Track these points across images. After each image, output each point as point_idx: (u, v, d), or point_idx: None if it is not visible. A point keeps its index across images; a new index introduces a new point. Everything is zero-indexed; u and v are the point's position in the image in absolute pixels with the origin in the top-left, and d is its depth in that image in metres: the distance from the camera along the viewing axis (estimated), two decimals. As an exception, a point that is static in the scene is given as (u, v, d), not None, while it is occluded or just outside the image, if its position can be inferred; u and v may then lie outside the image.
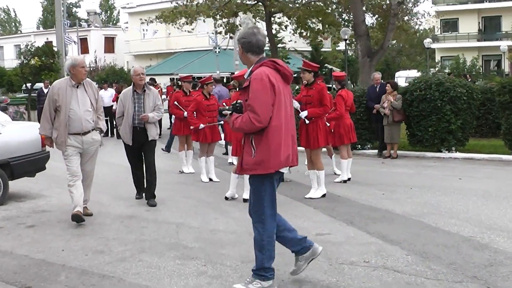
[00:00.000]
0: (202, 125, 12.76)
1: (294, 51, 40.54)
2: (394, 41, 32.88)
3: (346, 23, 29.55)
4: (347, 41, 32.88)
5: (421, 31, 52.28)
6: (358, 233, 8.10)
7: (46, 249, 7.74)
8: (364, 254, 7.09)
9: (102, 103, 26.17)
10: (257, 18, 30.17)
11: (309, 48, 45.98)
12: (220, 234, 8.33)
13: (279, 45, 40.58)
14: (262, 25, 31.27)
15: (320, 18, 27.68)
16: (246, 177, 10.27)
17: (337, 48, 47.15)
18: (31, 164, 11.29)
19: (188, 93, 14.37)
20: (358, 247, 7.40)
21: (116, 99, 24.08)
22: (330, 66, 48.58)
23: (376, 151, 16.64)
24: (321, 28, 28.64)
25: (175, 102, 14.42)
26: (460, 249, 7.17)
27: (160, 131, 24.70)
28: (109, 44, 67.76)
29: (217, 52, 42.50)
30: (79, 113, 8.95)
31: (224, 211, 9.88)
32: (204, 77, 13.47)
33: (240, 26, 30.50)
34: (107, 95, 25.24)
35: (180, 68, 50.01)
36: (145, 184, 10.89)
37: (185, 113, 13.86)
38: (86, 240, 8.12)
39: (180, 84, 25.02)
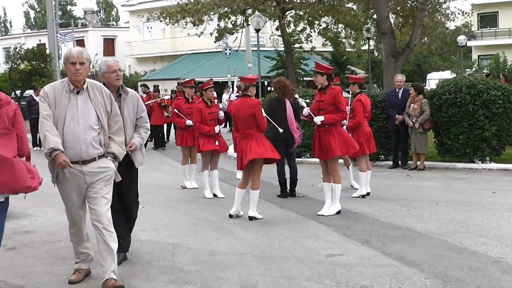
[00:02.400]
0: (218, 128, 12.78)
1: (311, 51, 40.46)
2: (426, 39, 32.76)
3: (369, 21, 29.58)
4: (370, 40, 32.86)
5: (453, 28, 51.96)
6: (373, 254, 8.09)
7: (26, 273, 7.80)
8: (378, 277, 7.08)
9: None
10: (267, 16, 30.27)
11: (330, 49, 45.93)
12: (220, 255, 8.35)
13: (296, 45, 40.56)
14: (272, 24, 31.44)
15: (335, 18, 27.78)
16: (253, 192, 10.36)
17: (362, 48, 47.14)
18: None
19: (190, 100, 14.39)
20: (372, 269, 7.39)
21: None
22: (353, 68, 48.58)
23: (391, 162, 16.67)
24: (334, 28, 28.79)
25: (175, 110, 14.48)
26: (487, 272, 7.14)
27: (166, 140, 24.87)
28: (109, 46, 68.17)
29: (227, 54, 42.54)
30: (77, 132, 6.72)
31: (226, 230, 9.90)
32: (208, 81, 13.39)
33: (248, 25, 30.62)
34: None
35: (187, 72, 50.16)
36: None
37: (188, 122, 13.91)
38: (71, 264, 8.09)
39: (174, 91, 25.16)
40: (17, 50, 35.02)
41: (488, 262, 7.52)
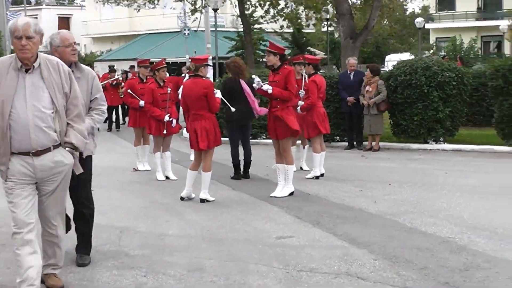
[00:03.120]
0: (167, 117, 12.55)
1: (273, 32, 40.28)
2: (385, 21, 32.89)
3: (328, 2, 29.50)
4: (329, 21, 32.85)
5: (412, 10, 52.34)
6: (324, 236, 8.03)
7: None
8: (327, 259, 7.01)
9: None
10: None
11: (290, 30, 45.84)
12: (169, 239, 8.21)
13: (256, 26, 40.39)
14: (233, 4, 31.24)
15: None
16: (205, 174, 10.22)
17: (323, 30, 47.14)
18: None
19: (144, 80, 14.19)
20: (322, 251, 7.32)
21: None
22: (313, 49, 48.55)
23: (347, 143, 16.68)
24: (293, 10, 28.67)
25: (128, 90, 14.28)
26: (435, 252, 7.12)
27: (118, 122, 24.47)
28: (64, 25, 66.72)
29: (186, 34, 42.20)
30: (26, 118, 5.66)
31: (178, 212, 9.76)
32: (162, 62, 13.15)
33: (208, 5, 30.38)
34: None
35: (145, 52, 49.63)
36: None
37: (141, 102, 13.71)
38: (11, 251, 7.89)
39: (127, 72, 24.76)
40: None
41: (437, 242, 7.51)
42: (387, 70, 24.27)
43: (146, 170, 13.95)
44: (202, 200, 10.32)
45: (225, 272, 6.73)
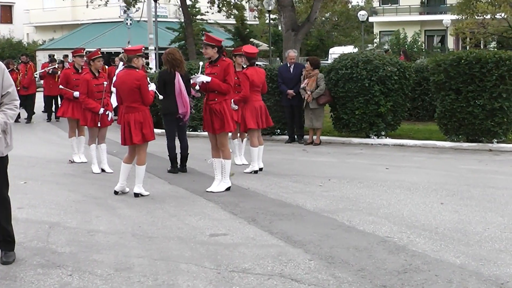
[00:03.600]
0: (102, 110, 12.15)
1: (215, 24, 39.90)
2: (328, 13, 32.78)
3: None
4: (270, 13, 32.65)
5: (356, 3, 52.36)
6: (259, 234, 7.74)
7: None
8: (260, 258, 6.73)
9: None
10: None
11: (233, 21, 45.48)
12: (98, 235, 7.85)
13: (198, 17, 39.95)
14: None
15: None
16: (139, 168, 9.87)
17: (266, 22, 46.86)
18: None
19: (80, 70, 13.79)
20: (256, 250, 7.03)
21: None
22: (256, 41, 48.23)
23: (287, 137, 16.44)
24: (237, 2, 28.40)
25: (60, 86, 14.04)
26: (372, 253, 6.86)
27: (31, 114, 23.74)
28: (6, 13, 65.63)
29: (128, 24, 41.54)
30: None
31: (110, 207, 9.39)
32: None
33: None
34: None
35: (88, 41, 48.77)
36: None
37: (75, 93, 13.30)
38: None
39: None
40: None
41: (375, 242, 7.26)
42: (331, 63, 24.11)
43: (82, 162, 13.53)
44: (136, 195, 9.98)
45: (154, 271, 6.41)
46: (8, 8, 66.51)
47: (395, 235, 7.57)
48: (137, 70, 10.00)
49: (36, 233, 7.98)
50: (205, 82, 10.06)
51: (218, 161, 10.38)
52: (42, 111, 24.17)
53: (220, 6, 31.14)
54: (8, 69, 20.86)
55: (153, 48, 34.71)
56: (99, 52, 12.67)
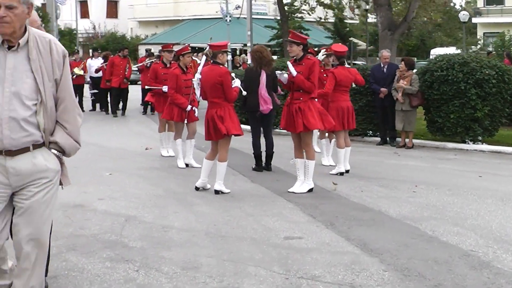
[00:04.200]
0: (189, 107, 12.06)
1: (315, 22, 39.59)
2: (432, 14, 32.00)
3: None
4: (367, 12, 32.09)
5: (459, 4, 50.82)
6: (335, 239, 7.41)
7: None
8: (332, 266, 6.41)
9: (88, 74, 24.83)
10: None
11: (332, 20, 45.02)
12: (172, 232, 7.71)
13: (297, 15, 39.72)
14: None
15: None
16: (220, 164, 9.68)
17: (368, 21, 46.20)
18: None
19: (168, 65, 13.83)
20: (329, 257, 6.71)
21: (101, 69, 23.55)
22: (356, 40, 47.65)
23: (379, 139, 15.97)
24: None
25: (146, 86, 14.05)
26: (453, 267, 6.40)
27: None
28: (112, 9, 67.09)
29: (228, 21, 41.73)
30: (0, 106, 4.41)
31: (188, 203, 9.25)
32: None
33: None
34: (96, 64, 24.63)
35: (188, 37, 49.33)
36: None
37: (164, 88, 13.28)
38: (12, 233, 7.54)
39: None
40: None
41: (457, 255, 6.79)
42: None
43: (170, 156, 13.46)
44: (217, 192, 9.81)
45: (221, 272, 6.20)
46: (114, 4, 67.99)
47: (480, 249, 7.07)
48: (221, 66, 9.83)
49: (111, 226, 7.92)
50: (292, 74, 9.79)
51: (301, 162, 10.09)
52: (140, 104, 24.36)
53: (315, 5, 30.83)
54: (105, 62, 21.19)
55: (250, 45, 34.71)
56: (188, 48, 12.60)
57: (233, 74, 10.19)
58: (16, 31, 4.42)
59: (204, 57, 12.82)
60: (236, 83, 10.08)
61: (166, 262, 6.52)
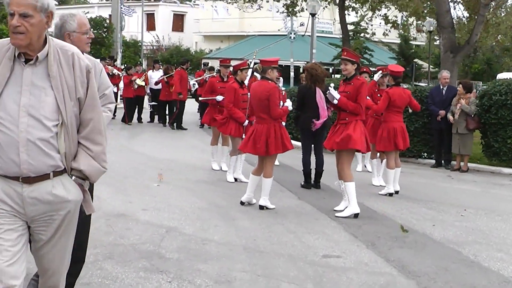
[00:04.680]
0: (247, 122, 12.04)
1: (379, 42, 39.40)
2: (499, 37, 31.50)
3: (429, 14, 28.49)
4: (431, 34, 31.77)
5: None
6: (374, 259, 7.30)
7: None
8: (367, 286, 6.31)
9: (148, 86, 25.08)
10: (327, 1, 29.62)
11: (398, 40, 44.70)
12: (210, 245, 7.70)
13: (362, 35, 39.60)
14: (333, 11, 30.75)
15: (397, 5, 26.83)
16: (265, 180, 9.64)
17: (436, 43, 45.72)
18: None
19: (225, 79, 13.89)
20: (365, 277, 6.61)
21: (161, 81, 23.74)
22: (421, 62, 47.15)
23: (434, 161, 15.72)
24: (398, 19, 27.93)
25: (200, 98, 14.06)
26: (490, 293, 6.27)
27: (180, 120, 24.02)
28: (178, 22, 67.74)
29: (292, 38, 41.78)
30: (16, 128, 3.88)
31: (231, 218, 9.23)
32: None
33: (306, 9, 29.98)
34: (157, 76, 24.89)
35: (251, 53, 49.48)
36: None
37: (218, 97, 13.37)
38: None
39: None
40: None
41: (496, 282, 6.62)
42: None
43: (222, 170, 13.44)
44: (261, 207, 9.78)
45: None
46: (180, 17, 68.66)
47: (523, 276, 6.89)
48: (270, 81, 9.79)
49: (151, 236, 7.96)
50: (333, 100, 9.74)
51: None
52: (199, 119, 24.44)
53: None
54: (166, 74, 21.40)
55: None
56: (247, 64, 12.67)
57: (283, 91, 10.15)
58: (33, 43, 3.87)
59: (250, 71, 12.87)
60: (287, 104, 10.04)
61: (200, 275, 6.51)
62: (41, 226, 4.04)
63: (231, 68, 13.95)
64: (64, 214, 4.05)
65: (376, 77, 12.46)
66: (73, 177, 4.06)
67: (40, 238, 4.10)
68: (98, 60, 5.94)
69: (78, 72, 4.02)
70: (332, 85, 10.37)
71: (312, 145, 12.02)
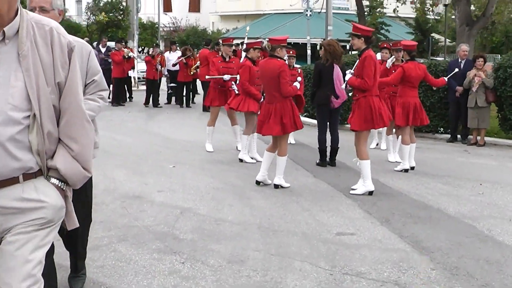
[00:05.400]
0: (263, 98, 11.95)
1: (396, 17, 39.04)
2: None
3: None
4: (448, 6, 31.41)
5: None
6: (388, 236, 7.27)
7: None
8: (380, 263, 6.28)
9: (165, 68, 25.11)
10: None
11: (414, 15, 44.26)
12: (224, 225, 7.70)
13: (378, 10, 39.28)
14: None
15: None
16: (279, 159, 9.59)
17: (453, 17, 45.21)
18: None
19: (226, 59, 13.65)
20: (378, 254, 6.59)
21: (180, 63, 23.67)
22: (438, 36, 46.68)
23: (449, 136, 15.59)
24: None
25: (207, 76, 13.94)
26: (504, 267, 6.19)
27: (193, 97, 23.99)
28: (195, 3, 67.56)
29: (308, 15, 41.54)
30: None
31: (245, 197, 9.23)
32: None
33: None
34: (174, 58, 24.82)
35: (268, 32, 49.21)
36: None
37: (225, 76, 13.14)
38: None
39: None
40: (96, 1, 35.00)
41: (510, 256, 6.56)
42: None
43: (238, 150, 13.35)
44: (276, 186, 9.77)
45: (266, 267, 6.16)
46: (197, -2, 68.53)
47: (537, 250, 6.83)
48: (279, 59, 9.70)
49: (165, 218, 7.97)
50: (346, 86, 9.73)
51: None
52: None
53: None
54: (184, 55, 21.25)
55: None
56: (260, 43, 12.61)
57: (298, 69, 10.09)
58: (3, 14, 3.07)
59: (244, 54, 12.84)
60: (295, 85, 9.95)
61: (213, 255, 6.52)
62: (11, 236, 3.17)
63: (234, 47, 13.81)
64: (40, 222, 3.20)
65: (389, 63, 12.31)
66: (51, 179, 3.27)
67: (8, 249, 3.16)
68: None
69: (58, 50, 3.24)
70: (350, 71, 10.24)
71: (328, 123, 11.93)
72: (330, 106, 11.51)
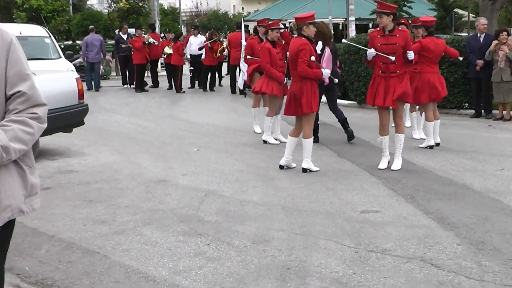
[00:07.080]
0: (286, 80, 11.89)
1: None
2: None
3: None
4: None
5: None
6: (413, 213, 7.23)
7: (45, 216, 7.37)
8: (405, 240, 6.25)
9: (189, 51, 25.23)
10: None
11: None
12: (249, 206, 7.71)
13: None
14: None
15: None
16: (305, 141, 9.44)
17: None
18: (66, 118, 10.97)
19: (263, 40, 13.65)
20: (403, 231, 6.55)
21: (205, 47, 23.63)
22: (461, 11, 46.20)
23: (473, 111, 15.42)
24: None
25: (248, 56, 13.85)
26: (531, 240, 6.17)
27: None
28: (214, -14, 67.62)
29: (329, -6, 41.34)
30: None
31: (269, 178, 9.22)
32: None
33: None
34: (196, 42, 24.73)
35: (290, 13, 48.98)
36: None
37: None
38: (94, 208, 7.75)
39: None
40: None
41: (538, 229, 6.54)
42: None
43: (259, 132, 13.34)
44: (304, 170, 9.53)
45: (290, 246, 6.16)
46: (216, -19, 68.43)
47: None
48: (303, 38, 9.55)
49: (190, 200, 8.00)
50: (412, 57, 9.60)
51: (387, 138, 9.81)
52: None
53: None
54: (211, 39, 21.24)
55: (353, 19, 34.14)
56: (278, 23, 12.51)
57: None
58: None
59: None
60: (324, 73, 9.79)
61: (238, 236, 6.53)
62: None
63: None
64: None
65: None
66: None
67: None
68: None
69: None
70: (344, 40, 10.14)
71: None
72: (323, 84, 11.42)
